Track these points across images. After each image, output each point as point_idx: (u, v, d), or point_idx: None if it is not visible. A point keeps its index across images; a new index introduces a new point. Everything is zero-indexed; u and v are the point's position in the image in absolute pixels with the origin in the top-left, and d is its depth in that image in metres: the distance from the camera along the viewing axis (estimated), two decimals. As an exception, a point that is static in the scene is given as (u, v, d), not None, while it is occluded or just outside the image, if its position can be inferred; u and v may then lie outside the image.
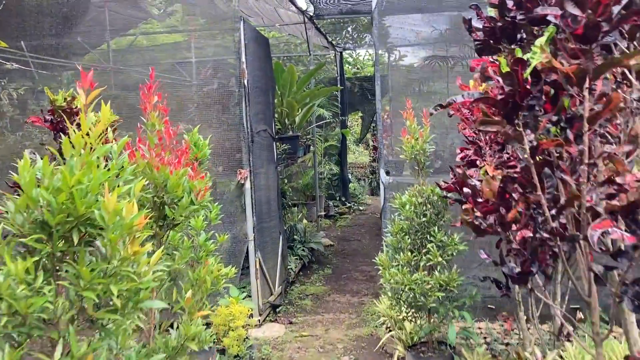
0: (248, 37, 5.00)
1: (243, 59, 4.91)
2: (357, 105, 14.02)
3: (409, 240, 3.53)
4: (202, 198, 2.48)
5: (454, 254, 3.42)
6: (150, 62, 5.53)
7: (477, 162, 3.28)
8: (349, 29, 12.58)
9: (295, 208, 7.99)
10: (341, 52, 11.94)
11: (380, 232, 9.82)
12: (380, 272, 3.83)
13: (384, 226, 4.77)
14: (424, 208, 3.57)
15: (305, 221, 7.81)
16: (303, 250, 7.08)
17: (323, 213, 10.51)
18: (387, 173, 4.74)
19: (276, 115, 6.91)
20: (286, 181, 8.39)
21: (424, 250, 3.52)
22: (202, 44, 5.54)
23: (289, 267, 6.41)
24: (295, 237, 7.21)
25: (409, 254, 3.51)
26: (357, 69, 15.82)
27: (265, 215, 5.40)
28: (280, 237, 5.94)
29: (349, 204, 11.71)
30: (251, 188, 4.97)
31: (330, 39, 10.71)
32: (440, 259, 3.40)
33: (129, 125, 5.09)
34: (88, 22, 5.27)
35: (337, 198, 11.70)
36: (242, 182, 4.91)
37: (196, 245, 3.68)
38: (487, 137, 3.21)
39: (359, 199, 12.55)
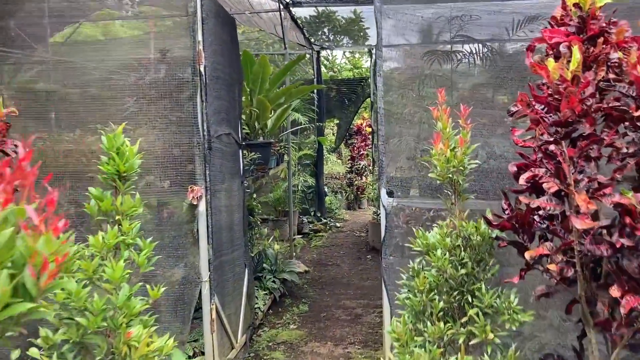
0: (207, 10, 3.75)
1: (199, 38, 3.65)
2: (333, 111, 12.85)
3: (441, 303, 2.32)
4: (50, 281, 1.16)
5: (513, 326, 2.21)
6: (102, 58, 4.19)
7: (548, 186, 2.11)
8: (325, 29, 11.40)
9: (266, 229, 6.72)
10: (318, 52, 10.76)
11: (362, 255, 8.65)
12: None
13: (387, 268, 3.56)
14: (462, 254, 2.37)
15: (277, 246, 6.55)
16: (274, 282, 5.82)
17: (297, 234, 9.25)
18: (390, 194, 3.54)
19: (244, 117, 5.66)
20: (255, 196, 7.12)
21: (463, 319, 2.32)
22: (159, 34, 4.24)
23: (255, 306, 5.13)
24: (264, 265, 5.94)
25: (441, 324, 2.29)
26: (334, 72, 14.68)
27: (227, 244, 4.13)
28: (246, 271, 4.67)
29: (325, 220, 10.49)
30: (207, 210, 3.70)
31: (306, 36, 9.52)
32: (491, 335, 2.19)
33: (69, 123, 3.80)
34: (29, 9, 3.94)
35: (312, 213, 10.47)
36: (195, 202, 3.63)
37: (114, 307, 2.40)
38: (571, 149, 2.04)
39: (336, 214, 11.35)
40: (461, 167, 2.38)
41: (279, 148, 6.78)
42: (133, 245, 2.57)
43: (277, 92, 5.76)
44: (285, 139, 8.11)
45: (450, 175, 2.39)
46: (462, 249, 2.38)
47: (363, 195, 12.94)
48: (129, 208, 2.54)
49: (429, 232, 2.51)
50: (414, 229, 2.66)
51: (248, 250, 4.78)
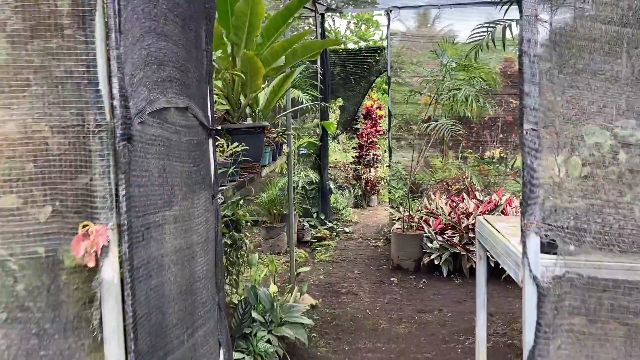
0: None
1: None
2: (336, 91, 10.76)
3: None
4: None
5: None
6: None
7: None
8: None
9: (247, 240, 4.69)
10: (323, 15, 8.67)
11: (384, 277, 6.55)
12: None
13: None
14: None
15: (273, 286, 4.50)
16: (269, 341, 3.79)
17: (296, 243, 7.21)
18: (551, 247, 1.53)
19: (219, 86, 3.60)
20: (242, 203, 5.08)
21: None
22: None
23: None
24: (254, 315, 3.91)
25: None
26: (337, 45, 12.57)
27: (175, 331, 2.08)
28: (221, 353, 2.63)
29: (331, 224, 8.46)
30: (125, 276, 1.66)
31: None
32: None
33: None
34: None
35: (315, 215, 8.44)
36: (91, 263, 1.59)
37: None
38: None
39: (343, 215, 9.31)
40: None
41: (275, 135, 4.72)
42: None
43: (274, 47, 3.67)
44: (283, 122, 6.06)
45: None
46: None
47: (373, 191, 10.91)
48: None
49: None
50: None
51: (223, 319, 2.71)
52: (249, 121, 3.80)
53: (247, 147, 3.50)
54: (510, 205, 7.17)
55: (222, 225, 4.48)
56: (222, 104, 3.67)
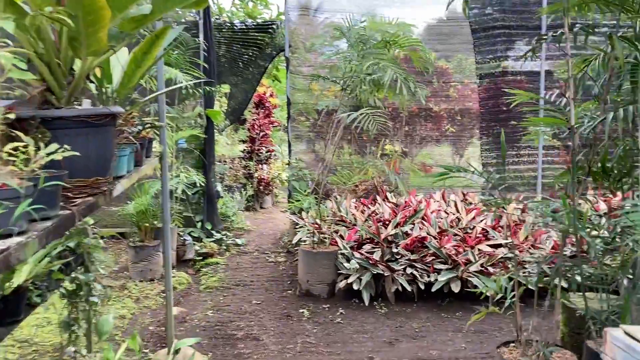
0: None
1: None
2: (222, 75, 9.17)
3: None
4: None
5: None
6: None
7: None
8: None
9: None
10: (206, -21, 7.05)
11: (292, 307, 4.74)
12: None
13: None
14: None
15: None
16: None
17: (176, 264, 5.60)
18: None
19: (31, 41, 2.01)
20: (92, 221, 3.46)
21: None
22: None
23: None
24: None
25: None
26: (223, 21, 10.94)
27: None
28: None
29: (219, 235, 6.95)
30: None
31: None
32: None
33: None
34: None
35: (200, 225, 6.87)
36: None
37: None
38: None
39: (233, 223, 7.82)
40: None
41: (140, 128, 3.16)
42: None
43: (130, -22, 2.15)
44: (155, 110, 4.49)
45: None
46: None
47: (267, 191, 9.52)
48: None
49: None
50: None
51: None
52: (88, 105, 2.24)
53: (83, 150, 1.96)
54: (429, 208, 6.17)
55: (59, 266, 2.87)
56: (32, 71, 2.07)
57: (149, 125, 3.35)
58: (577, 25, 2.71)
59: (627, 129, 2.44)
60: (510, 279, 3.08)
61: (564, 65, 6.55)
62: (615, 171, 2.72)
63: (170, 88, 3.85)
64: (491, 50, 7.42)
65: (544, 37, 2.59)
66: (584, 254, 3.13)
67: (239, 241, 7.09)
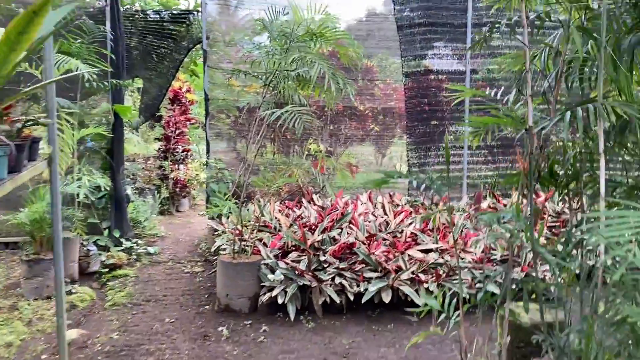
0: None
1: None
2: (134, 69, 8.44)
3: None
4: None
5: None
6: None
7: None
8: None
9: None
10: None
11: (209, 326, 4.21)
12: None
13: None
14: None
15: None
16: None
17: (78, 277, 4.94)
18: None
19: None
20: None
21: None
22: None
23: None
24: None
25: None
26: (135, 11, 10.14)
27: None
28: None
29: (129, 243, 6.31)
30: None
31: None
32: None
33: None
34: None
35: (106, 233, 6.20)
36: None
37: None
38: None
39: (145, 229, 7.18)
40: None
41: (20, 127, 2.60)
42: None
43: None
44: (45, 105, 3.85)
45: None
46: None
47: (184, 193, 8.90)
48: None
49: None
50: None
51: None
52: None
53: None
54: (357, 211, 5.89)
55: None
56: None
57: (31, 122, 2.78)
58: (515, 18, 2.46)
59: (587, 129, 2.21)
60: (454, 294, 2.81)
61: (493, 63, 6.48)
62: (565, 177, 2.51)
63: (60, 77, 3.25)
64: (416, 47, 7.27)
65: (497, 24, 2.31)
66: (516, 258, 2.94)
67: (151, 249, 6.48)
